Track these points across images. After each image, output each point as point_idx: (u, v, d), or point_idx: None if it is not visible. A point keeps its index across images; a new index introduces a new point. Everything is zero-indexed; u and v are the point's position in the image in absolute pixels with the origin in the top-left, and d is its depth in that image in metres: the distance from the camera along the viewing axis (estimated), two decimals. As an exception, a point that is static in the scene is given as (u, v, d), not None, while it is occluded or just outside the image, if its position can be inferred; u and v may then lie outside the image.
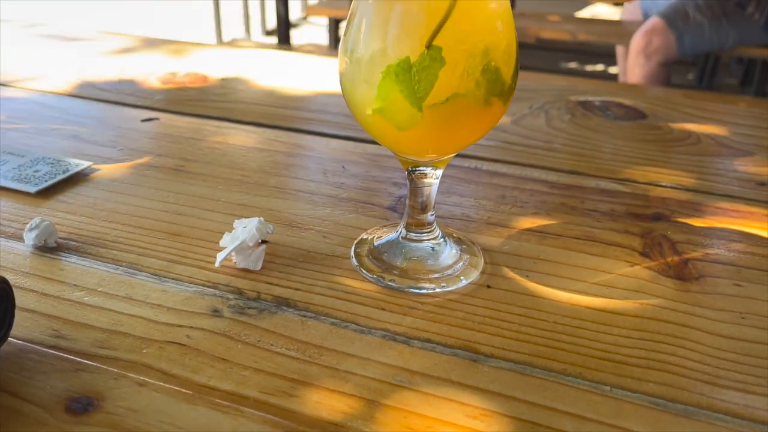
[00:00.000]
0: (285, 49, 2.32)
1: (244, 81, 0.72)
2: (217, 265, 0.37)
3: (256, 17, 4.24)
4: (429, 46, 0.29)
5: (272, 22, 4.39)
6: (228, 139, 0.57)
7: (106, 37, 0.87)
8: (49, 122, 0.59)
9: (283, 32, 2.24)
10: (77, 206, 0.44)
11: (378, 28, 0.31)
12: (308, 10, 3.10)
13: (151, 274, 0.37)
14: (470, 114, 0.32)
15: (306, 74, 0.75)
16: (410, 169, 0.36)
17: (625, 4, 2.40)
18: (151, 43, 0.85)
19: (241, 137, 0.57)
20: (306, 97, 0.68)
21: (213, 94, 0.68)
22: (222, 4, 3.45)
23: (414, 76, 0.30)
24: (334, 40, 3.15)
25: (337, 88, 0.68)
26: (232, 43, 3.69)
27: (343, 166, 0.52)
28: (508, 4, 0.32)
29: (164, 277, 0.37)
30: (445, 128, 0.32)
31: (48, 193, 0.46)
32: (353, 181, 0.49)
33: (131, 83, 0.70)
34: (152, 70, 0.74)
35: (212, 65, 0.76)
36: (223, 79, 0.72)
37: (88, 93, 0.67)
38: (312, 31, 4.24)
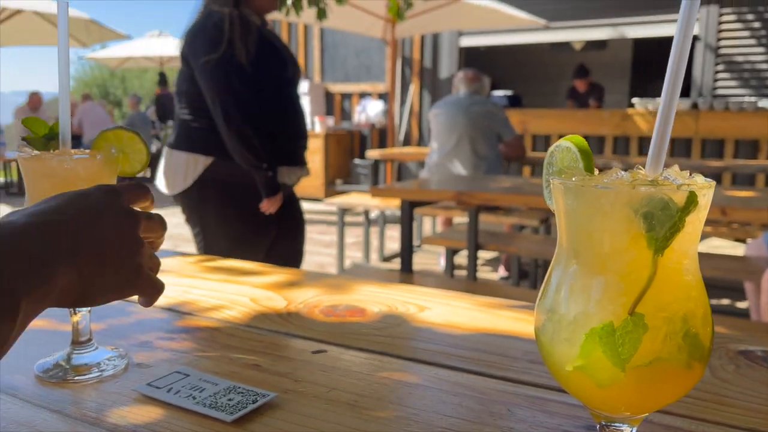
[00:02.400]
0: (406, 277, 2.44)
1: (398, 317, 0.77)
2: None
3: (374, 245, 4.57)
4: (632, 313, 0.32)
5: (389, 249, 4.69)
6: (393, 375, 0.60)
7: (273, 270, 0.98)
8: (232, 351, 0.65)
9: (406, 259, 2.39)
10: (266, 437, 0.47)
11: (580, 294, 0.34)
12: (424, 240, 3.32)
13: None
14: (672, 376, 0.33)
15: (460, 312, 0.79)
16: (603, 423, 0.37)
17: (749, 240, 2.38)
18: (314, 277, 0.94)
19: (404, 374, 0.60)
20: (463, 336, 0.71)
21: (372, 328, 0.73)
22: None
23: (618, 339, 0.32)
24: (451, 266, 3.29)
25: (492, 327, 0.71)
26: (354, 270, 3.94)
27: (509, 409, 0.52)
28: (700, 275, 0.35)
29: None
30: (646, 389, 0.33)
31: (240, 422, 0.50)
32: (521, 426, 0.50)
33: (297, 315, 0.77)
34: (316, 303, 0.81)
35: (369, 299, 0.83)
36: (378, 313, 0.77)
37: (261, 324, 0.74)
38: (423, 256, 4.47)
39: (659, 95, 0.37)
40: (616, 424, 0.36)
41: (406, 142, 8.10)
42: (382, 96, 8.09)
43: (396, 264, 4.52)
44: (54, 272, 0.44)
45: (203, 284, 0.90)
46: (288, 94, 2.01)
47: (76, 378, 0.57)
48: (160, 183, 2.05)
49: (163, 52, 11.31)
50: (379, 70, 8.22)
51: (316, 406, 0.53)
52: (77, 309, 0.58)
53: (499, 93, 7.72)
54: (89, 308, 0.59)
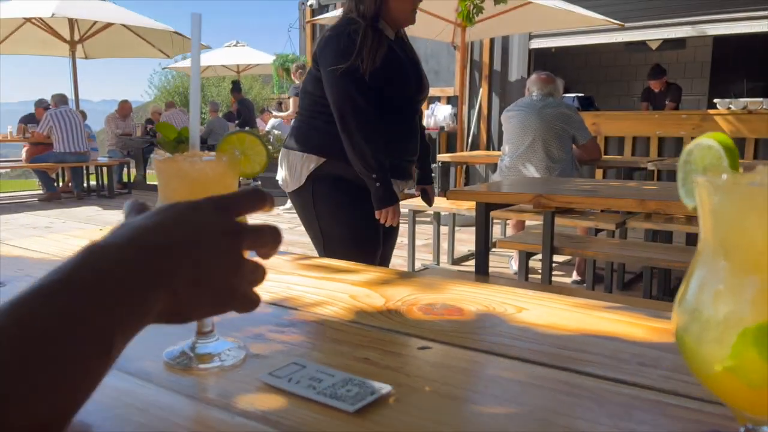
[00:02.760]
0: (482, 279, 2.43)
1: (497, 316, 0.77)
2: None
3: (443, 247, 4.56)
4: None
5: (458, 252, 4.67)
6: (501, 374, 0.60)
7: (367, 268, 1.00)
8: (340, 345, 0.67)
9: (482, 261, 2.38)
10: (387, 427, 0.49)
11: (731, 293, 0.34)
12: (498, 243, 3.29)
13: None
14: (830, 378, 0.32)
15: (559, 313, 0.78)
16: (749, 426, 0.36)
17: None
18: (406, 276, 0.96)
19: (512, 372, 0.60)
20: (567, 337, 0.70)
21: (473, 327, 0.73)
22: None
23: (773, 339, 0.32)
24: (525, 269, 3.25)
25: (596, 329, 0.70)
26: (426, 273, 3.94)
27: (627, 412, 0.52)
28: None
29: None
30: (801, 390, 0.32)
31: (361, 412, 0.51)
32: (644, 429, 0.49)
33: (397, 312, 0.79)
34: (413, 301, 0.83)
35: (464, 298, 0.83)
36: (476, 312, 0.78)
37: (363, 320, 0.76)
38: (493, 259, 4.42)
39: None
40: (764, 428, 0.35)
41: (474, 145, 8.05)
42: (450, 100, 8.07)
43: (466, 267, 4.49)
44: (150, 302, 0.43)
45: (303, 281, 0.93)
46: (406, 112, 2.05)
47: (200, 366, 0.60)
48: (280, 179, 2.15)
49: (239, 61, 11.70)
50: (448, 74, 8.21)
51: (430, 400, 0.54)
52: None
53: (570, 95, 7.56)
54: None
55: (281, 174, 2.13)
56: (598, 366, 0.62)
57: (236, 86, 11.02)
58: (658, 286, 3.61)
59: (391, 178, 2.00)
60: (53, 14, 8.04)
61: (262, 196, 0.52)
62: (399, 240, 5.37)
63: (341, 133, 1.93)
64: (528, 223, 4.06)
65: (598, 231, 3.67)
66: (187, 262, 0.45)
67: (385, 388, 0.55)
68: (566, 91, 7.19)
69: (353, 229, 2.03)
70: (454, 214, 4.41)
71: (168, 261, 0.44)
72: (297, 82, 7.74)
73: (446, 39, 6.74)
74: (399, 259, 4.64)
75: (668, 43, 8.17)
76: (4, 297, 0.86)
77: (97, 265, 0.42)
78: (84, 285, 0.41)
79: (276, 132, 8.71)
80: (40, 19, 8.82)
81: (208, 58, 12.09)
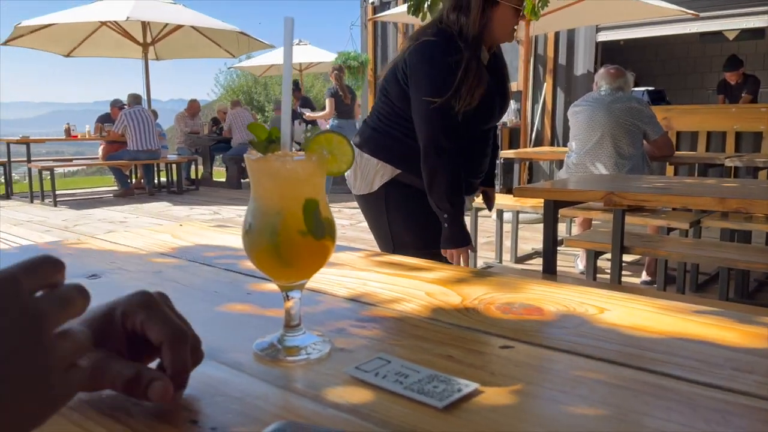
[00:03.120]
0: (550, 279, 2.39)
1: (578, 317, 0.76)
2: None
3: (506, 245, 4.51)
4: None
5: (521, 251, 4.60)
6: (587, 375, 0.59)
7: (441, 266, 1.01)
8: (422, 341, 0.68)
9: (550, 260, 2.34)
10: (476, 425, 0.49)
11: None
12: (565, 242, 3.22)
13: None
14: None
15: (642, 315, 0.77)
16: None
17: None
18: (480, 275, 0.96)
19: (597, 374, 0.60)
20: (653, 339, 0.69)
21: (554, 327, 0.73)
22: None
23: None
24: (593, 269, 3.18)
25: (682, 331, 0.68)
26: (491, 271, 3.92)
27: (723, 417, 0.50)
28: None
29: None
30: None
31: (449, 408, 0.52)
32: (742, 435, 0.48)
33: (475, 311, 0.79)
34: (490, 300, 0.82)
35: (543, 298, 0.83)
36: (556, 312, 0.77)
37: (442, 317, 0.77)
38: (558, 258, 4.33)
39: None
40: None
41: (538, 141, 7.91)
42: (514, 95, 7.95)
43: (529, 266, 4.42)
44: None
45: (378, 277, 0.94)
46: (485, 134, 2.02)
47: (288, 358, 0.62)
48: (347, 178, 2.13)
49: (302, 59, 11.91)
50: (511, 69, 8.08)
51: (516, 399, 0.54)
52: (289, 294, 0.63)
53: (639, 89, 7.30)
54: (300, 295, 0.64)
55: (349, 173, 2.09)
56: (689, 369, 0.60)
57: (296, 85, 11.24)
58: (735, 288, 3.45)
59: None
60: (128, 17, 8.40)
61: (51, 261, 0.41)
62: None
63: (423, 163, 1.89)
64: (594, 221, 3.96)
65: (670, 230, 3.54)
66: None
67: (471, 385, 0.55)
68: (636, 85, 6.95)
69: (424, 236, 2.01)
70: (517, 212, 4.35)
71: None
72: (334, 83, 7.92)
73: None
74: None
75: (746, 33, 7.77)
76: (101, 288, 0.91)
77: None
78: None
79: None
80: (115, 22, 9.23)
81: (271, 57, 12.35)
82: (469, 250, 1.97)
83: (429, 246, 1.99)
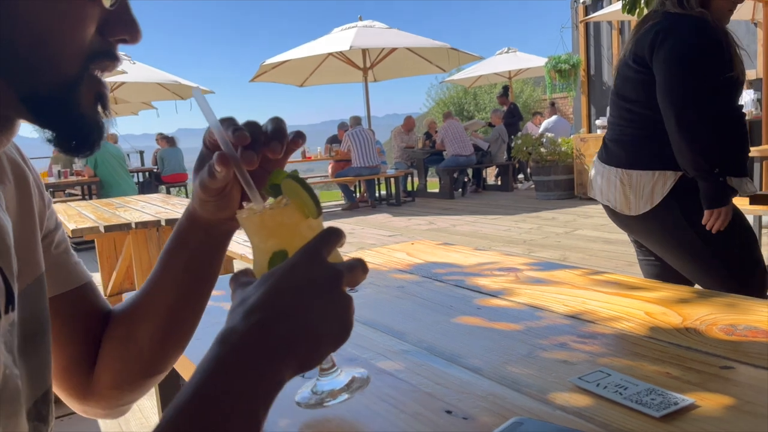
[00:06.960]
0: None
1: (810, 340, 0.76)
2: None
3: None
4: None
5: None
6: (813, 398, 0.61)
7: (660, 285, 1.04)
8: (640, 358, 0.75)
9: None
10: (691, 435, 0.56)
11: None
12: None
13: None
14: None
15: None
16: None
17: None
18: (703, 295, 0.97)
19: (826, 398, 0.61)
20: None
21: (780, 350, 0.74)
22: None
23: None
24: None
25: None
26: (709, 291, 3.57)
27: None
28: None
29: None
30: None
31: (665, 418, 0.59)
32: None
33: (695, 331, 0.82)
34: (713, 321, 0.85)
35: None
36: (785, 336, 0.77)
37: (660, 336, 0.82)
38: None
39: None
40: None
41: (785, 134, 6.93)
42: (753, 84, 7.09)
43: None
44: (282, 376, 0.48)
45: (596, 296, 1.01)
46: (736, 100, 1.88)
47: (329, 402, 0.64)
48: (609, 201, 2.00)
49: (511, 67, 11.94)
50: (749, 55, 7.21)
51: (732, 416, 0.59)
52: None
53: None
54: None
55: (610, 196, 1.97)
56: None
57: (505, 91, 11.27)
58: None
59: (733, 176, 1.80)
60: (351, 46, 9.23)
61: (337, 232, 0.56)
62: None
63: (675, 128, 1.78)
64: None
65: None
66: (303, 322, 0.49)
67: (687, 400, 0.61)
68: None
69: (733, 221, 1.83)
70: (759, 217, 3.91)
71: (288, 331, 0.49)
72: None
73: (744, 16, 5.97)
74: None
75: None
76: (359, 300, 1.11)
77: (231, 358, 0.47)
78: (228, 377, 0.46)
79: (549, 135, 8.67)
80: (340, 52, 10.19)
81: (480, 69, 12.56)
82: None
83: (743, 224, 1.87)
